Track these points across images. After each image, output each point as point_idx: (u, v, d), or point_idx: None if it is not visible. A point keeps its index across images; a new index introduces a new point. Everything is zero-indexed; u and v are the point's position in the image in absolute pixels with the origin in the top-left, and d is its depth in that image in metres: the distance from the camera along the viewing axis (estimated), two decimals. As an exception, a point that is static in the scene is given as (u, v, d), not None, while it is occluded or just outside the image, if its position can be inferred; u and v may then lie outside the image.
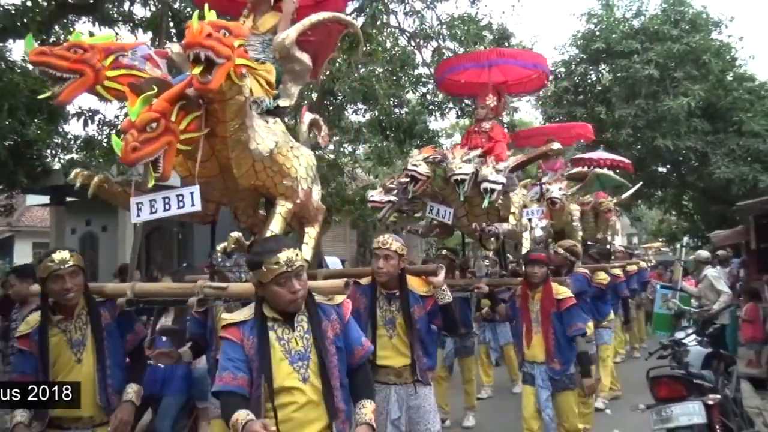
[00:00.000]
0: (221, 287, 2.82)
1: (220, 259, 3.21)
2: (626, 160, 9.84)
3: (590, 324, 5.32)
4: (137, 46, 3.07)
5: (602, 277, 6.50)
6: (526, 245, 5.44)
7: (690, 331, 5.15)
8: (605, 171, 8.56)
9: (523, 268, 4.46)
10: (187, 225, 14.11)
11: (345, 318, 2.41)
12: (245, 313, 2.32)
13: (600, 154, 9.48)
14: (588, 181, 8.19)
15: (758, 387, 7.37)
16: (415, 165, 4.51)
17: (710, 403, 3.91)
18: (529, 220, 5.67)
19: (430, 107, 12.69)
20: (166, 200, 2.72)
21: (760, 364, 8.03)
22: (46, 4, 7.67)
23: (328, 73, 10.07)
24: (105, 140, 9.25)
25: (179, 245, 14.61)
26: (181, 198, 2.73)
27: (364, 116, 13.08)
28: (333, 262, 5.96)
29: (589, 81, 16.79)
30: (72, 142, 9.90)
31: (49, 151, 11.00)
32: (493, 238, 4.97)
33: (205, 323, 3.70)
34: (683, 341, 4.87)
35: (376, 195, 4.85)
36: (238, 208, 3.65)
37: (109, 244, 13.70)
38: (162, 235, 14.47)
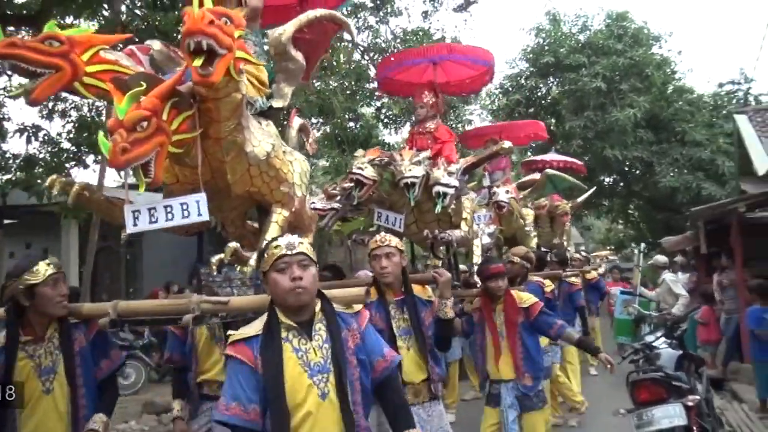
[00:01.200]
0: (221, 302, 2.52)
1: (209, 273, 2.91)
2: (579, 162, 9.74)
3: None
4: (121, 39, 2.84)
5: (547, 285, 5.78)
6: (477, 253, 5.12)
7: (659, 334, 5.26)
8: (556, 172, 8.15)
9: (477, 278, 4.17)
10: (135, 245, 13.62)
11: (362, 329, 2.19)
12: (256, 326, 2.06)
13: (552, 156, 9.35)
14: (540, 182, 7.74)
15: (716, 388, 7.61)
16: (360, 168, 4.16)
17: (690, 404, 3.99)
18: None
19: (385, 120, 12.74)
20: (168, 209, 2.50)
21: (716, 365, 8.29)
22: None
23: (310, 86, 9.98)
24: (48, 158, 8.82)
25: (127, 267, 14.06)
26: (185, 207, 2.51)
27: (319, 129, 13.02)
28: None
29: (539, 94, 17.26)
30: (11, 161, 9.40)
31: (-15, 170, 10.42)
32: (444, 246, 4.61)
33: (185, 341, 3.46)
34: (653, 344, 4.97)
35: (317, 202, 4.39)
36: (227, 218, 3.40)
37: (51, 267, 13.04)
38: (108, 257, 13.87)
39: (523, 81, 16.81)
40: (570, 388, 6.26)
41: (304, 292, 2.02)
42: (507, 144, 4.60)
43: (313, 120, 12.07)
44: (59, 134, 8.80)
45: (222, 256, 2.72)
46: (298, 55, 3.15)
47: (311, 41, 3.35)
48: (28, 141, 8.14)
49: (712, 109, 16.30)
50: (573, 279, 6.94)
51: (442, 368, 3.50)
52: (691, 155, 15.13)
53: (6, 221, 12.89)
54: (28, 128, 8.14)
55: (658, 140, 15.74)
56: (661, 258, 9.50)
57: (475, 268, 5.00)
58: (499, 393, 3.84)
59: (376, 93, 12.45)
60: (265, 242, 2.13)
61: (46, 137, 8.44)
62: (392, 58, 5.98)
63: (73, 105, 9.35)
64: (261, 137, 2.90)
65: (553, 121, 15.69)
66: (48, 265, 2.54)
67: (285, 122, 3.83)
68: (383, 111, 12.90)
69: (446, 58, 5.26)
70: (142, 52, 2.88)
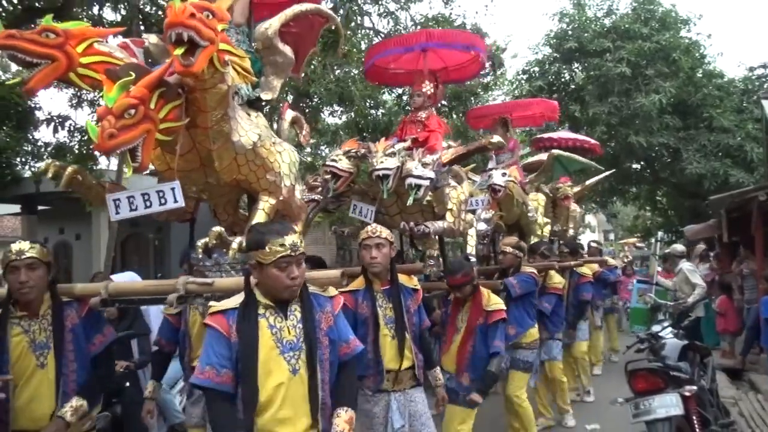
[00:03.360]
0: (206, 282, 2.63)
1: (199, 258, 3.01)
2: (592, 140, 8.78)
3: (533, 331, 4.90)
4: (114, 33, 2.92)
5: (557, 281, 5.67)
6: (471, 243, 5.04)
7: (666, 324, 5.23)
8: (565, 153, 7.51)
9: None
10: (163, 230, 13.94)
11: (335, 313, 2.31)
12: (235, 299, 2.19)
13: (562, 134, 8.53)
14: (546, 164, 7.18)
15: (733, 377, 7.52)
16: (334, 160, 4.16)
17: (687, 394, 3.98)
18: (473, 211, 5.21)
19: (407, 107, 12.72)
20: (146, 197, 2.60)
21: (734, 354, 8.18)
22: (11, 8, 7.51)
23: (303, 75, 10.05)
24: (76, 147, 9.10)
25: (155, 251, 14.42)
26: (162, 194, 2.61)
27: (340, 118, 13.09)
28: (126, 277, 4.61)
29: (563, 80, 16.94)
30: (43, 150, 9.72)
31: (18, 159, 10.78)
32: (432, 238, 4.55)
33: (178, 327, 3.54)
34: (659, 334, 4.95)
35: (298, 193, 4.53)
36: (218, 205, 3.50)
37: (83, 252, 13.49)
38: (138, 241, 14.27)
39: (546, 66, 16.51)
40: (564, 390, 5.89)
41: (297, 287, 2.17)
42: (496, 138, 4.45)
43: (335, 107, 12.21)
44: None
45: (206, 240, 2.80)
46: (286, 49, 3.22)
47: (299, 35, 3.41)
48: (55, 131, 8.41)
49: (741, 94, 15.80)
50: (583, 270, 6.65)
51: (433, 357, 3.50)
52: (719, 141, 14.72)
53: (40, 207, 13.32)
54: (54, 118, 8.41)
55: (685, 126, 15.35)
56: (679, 247, 9.33)
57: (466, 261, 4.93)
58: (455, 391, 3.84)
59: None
60: (260, 233, 2.18)
61: (72, 127, 8.70)
62: (376, 48, 5.82)
63: (101, 94, 9.61)
64: (248, 127, 2.97)
65: (577, 107, 15.37)
66: (10, 252, 2.62)
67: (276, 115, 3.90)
68: (404, 98, 12.88)
69: (431, 45, 5.12)
70: (137, 45, 2.98)
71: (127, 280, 4.06)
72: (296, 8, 3.25)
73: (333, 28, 3.90)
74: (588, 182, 9.20)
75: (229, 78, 2.69)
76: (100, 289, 2.71)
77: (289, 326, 2.16)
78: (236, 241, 2.79)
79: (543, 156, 7.58)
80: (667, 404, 3.95)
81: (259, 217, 3.05)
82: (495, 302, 3.93)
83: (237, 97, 3.01)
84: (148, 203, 2.60)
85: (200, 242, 2.84)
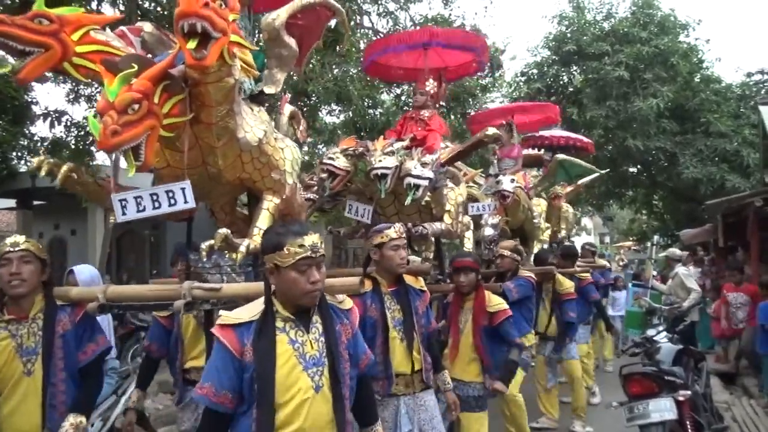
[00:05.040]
0: (213, 288, 2.47)
1: (197, 259, 2.83)
2: (585, 139, 8.58)
3: (530, 336, 4.94)
4: (112, 21, 2.76)
5: (568, 285, 5.66)
6: (467, 246, 5.03)
7: (661, 328, 5.23)
8: (569, 157, 7.45)
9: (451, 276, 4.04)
10: (160, 227, 13.91)
11: (354, 324, 2.20)
12: (249, 311, 2.01)
13: (554, 132, 8.21)
14: (550, 169, 7.19)
15: (727, 382, 7.52)
16: (331, 158, 4.02)
17: (681, 399, 3.98)
18: (480, 216, 5.21)
19: (405, 108, 12.72)
20: (155, 197, 2.44)
21: (728, 359, 8.18)
22: (9, 2, 7.47)
23: (302, 73, 10.04)
24: (73, 142, 9.06)
25: (152, 249, 14.39)
26: (171, 194, 2.46)
27: (338, 117, 13.08)
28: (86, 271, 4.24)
29: (561, 82, 16.96)
30: (39, 144, 9.67)
31: (14, 153, 10.73)
32: (430, 239, 4.50)
33: (170, 330, 3.38)
34: (654, 338, 4.95)
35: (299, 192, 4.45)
36: (216, 205, 3.36)
37: (78, 248, 13.42)
38: (133, 239, 14.24)
39: (545, 69, 16.54)
40: (581, 392, 5.82)
41: (318, 292, 2.02)
42: (491, 130, 4.33)
43: (333, 107, 12.20)
44: (85, 118, 9.02)
45: (212, 242, 2.66)
46: (291, 41, 3.09)
47: (304, 27, 3.29)
48: (52, 125, 8.37)
49: (738, 100, 15.86)
50: (582, 274, 6.52)
51: (441, 361, 3.50)
52: (715, 146, 14.77)
53: (35, 202, 13.27)
54: (51, 113, 8.38)
55: (683, 131, 15.38)
56: (677, 251, 9.33)
57: None
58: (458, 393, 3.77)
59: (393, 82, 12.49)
60: (277, 234, 2.03)
61: (68, 122, 8.66)
62: (378, 44, 5.77)
63: (98, 89, 9.58)
64: (253, 123, 2.85)
65: (575, 110, 15.39)
66: (13, 242, 2.54)
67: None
68: (403, 98, 12.87)
69: (434, 43, 5.06)
70: (134, 34, 2.82)
71: (88, 274, 3.87)
72: (304, 0, 3.11)
73: (336, 23, 3.81)
74: (581, 181, 8.79)
75: (237, 71, 2.56)
76: (98, 294, 2.51)
77: (311, 340, 2.01)
78: (244, 245, 2.68)
79: (531, 152, 7.58)
80: (661, 408, 3.95)
81: (264, 217, 2.94)
82: (497, 302, 3.87)
83: (241, 91, 2.87)
84: (156, 204, 2.45)
85: (205, 245, 2.69)
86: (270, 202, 3.00)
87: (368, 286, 3.14)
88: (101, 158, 9.89)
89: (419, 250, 5.13)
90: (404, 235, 3.19)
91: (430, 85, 4.90)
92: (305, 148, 14.29)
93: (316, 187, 4.24)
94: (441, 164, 4.32)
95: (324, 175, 4.05)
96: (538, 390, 5.76)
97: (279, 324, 1.99)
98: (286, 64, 3.21)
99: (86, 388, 2.63)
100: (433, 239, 4.55)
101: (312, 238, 1.99)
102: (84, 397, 2.60)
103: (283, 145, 3.12)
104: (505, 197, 5.57)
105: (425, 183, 3.91)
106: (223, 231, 2.68)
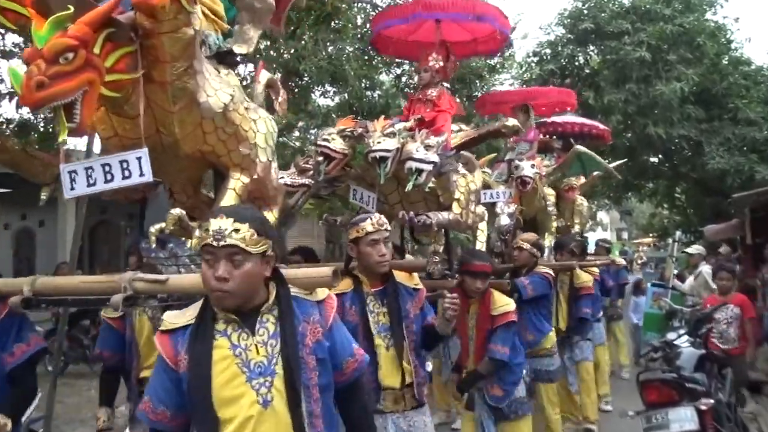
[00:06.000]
0: (158, 280, 2.23)
1: (151, 249, 2.60)
2: (602, 126, 8.47)
3: (551, 335, 5.01)
4: None
5: (586, 279, 5.85)
6: (481, 239, 5.00)
7: (682, 332, 5.25)
8: (588, 151, 7.30)
9: (460, 276, 3.98)
10: (136, 218, 13.90)
11: (328, 320, 1.96)
12: (189, 314, 1.88)
13: (567, 118, 8.03)
14: (567, 160, 7.11)
15: (753, 391, 7.54)
16: (326, 139, 3.90)
17: (703, 408, 4.00)
18: (493, 204, 5.19)
19: (406, 90, 12.70)
20: (107, 168, 2.26)
21: (755, 366, 8.21)
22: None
23: (292, 51, 10.02)
24: (42, 124, 9.04)
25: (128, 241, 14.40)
26: (125, 165, 2.26)
27: (333, 99, 13.05)
28: None
29: (577, 63, 16.92)
30: (4, 126, 9.63)
31: (-22, 136, 10.69)
32: (435, 230, 4.37)
33: (123, 334, 3.23)
34: (675, 342, 4.97)
35: (287, 177, 4.11)
36: (176, 184, 3.08)
37: (47, 240, 13.43)
38: (108, 229, 14.23)
39: (559, 49, 16.49)
40: (593, 397, 6.04)
41: (226, 296, 1.77)
42: (511, 122, 4.34)
43: (327, 88, 12.18)
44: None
45: (163, 225, 2.50)
46: None
47: None
48: (18, 106, 8.32)
49: (770, 84, 15.88)
50: (592, 270, 6.55)
51: (425, 369, 3.23)
52: (744, 135, 14.78)
53: (1, 190, 13.23)
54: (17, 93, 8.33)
55: (708, 117, 15.39)
56: (698, 247, 9.35)
57: None
58: (474, 397, 3.87)
59: (396, 59, 12.45)
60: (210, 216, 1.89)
61: (37, 102, 8.61)
62: (386, 13, 5.62)
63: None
64: (217, 86, 2.63)
65: (591, 93, 15.34)
66: None
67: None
68: (403, 79, 12.86)
69: (448, 16, 4.94)
70: None
71: None
72: None
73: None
74: (596, 172, 8.76)
75: (197, 21, 2.35)
76: (24, 286, 2.29)
77: (257, 344, 1.81)
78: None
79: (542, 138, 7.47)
80: (682, 418, 3.97)
81: (229, 198, 2.73)
82: (502, 304, 3.85)
83: (205, 47, 2.65)
84: (108, 176, 2.26)
85: (153, 228, 2.52)
86: (237, 181, 2.80)
87: (347, 285, 3.01)
88: (74, 142, 9.88)
89: (425, 242, 5.08)
90: (385, 228, 3.00)
91: (434, 60, 4.74)
92: (296, 133, 14.27)
93: (311, 172, 4.15)
94: (452, 149, 4.27)
95: (319, 159, 3.93)
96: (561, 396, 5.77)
97: (220, 326, 1.83)
98: (260, 20, 3.04)
99: (13, 396, 2.49)
100: (441, 230, 4.45)
101: (222, 222, 1.77)
102: (11, 401, 2.46)
103: (256, 115, 2.95)
104: (525, 183, 5.58)
105: (428, 167, 3.79)
106: (177, 212, 2.56)
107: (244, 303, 1.84)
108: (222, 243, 1.75)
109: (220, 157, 2.80)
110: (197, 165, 2.95)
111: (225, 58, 2.89)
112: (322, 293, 2.00)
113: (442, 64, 4.74)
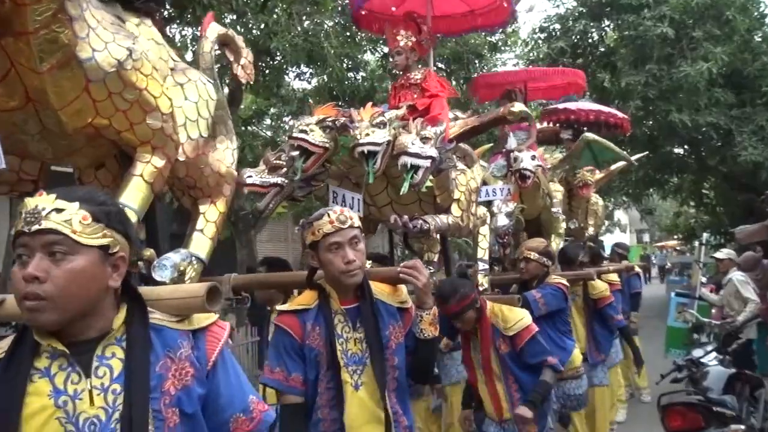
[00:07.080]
0: None
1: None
2: (620, 114, 8.22)
3: (576, 353, 4.94)
4: None
5: (602, 288, 5.85)
6: (483, 245, 4.89)
7: (709, 348, 5.25)
8: (599, 138, 7.22)
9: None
10: None
11: (210, 357, 1.58)
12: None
13: (581, 105, 7.79)
14: (575, 150, 7.01)
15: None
16: (304, 131, 3.66)
17: (733, 436, 3.99)
18: (488, 203, 5.12)
19: (394, 71, 12.69)
20: None
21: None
22: None
23: (263, 26, 9.97)
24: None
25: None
26: None
27: (309, 82, 13.02)
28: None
29: (590, 41, 16.97)
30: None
31: None
32: (433, 236, 4.29)
33: None
34: (701, 360, 4.97)
35: (255, 176, 3.90)
36: (81, 169, 2.81)
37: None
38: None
39: (569, 24, 16.51)
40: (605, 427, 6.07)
41: (41, 306, 1.38)
42: (518, 107, 4.24)
43: (303, 69, 12.15)
44: None
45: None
46: None
47: None
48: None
49: (810, 65, 15.99)
50: (611, 277, 6.68)
51: (411, 415, 2.85)
52: (780, 123, 14.89)
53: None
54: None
55: (740, 103, 15.45)
56: (729, 251, 9.38)
57: (480, 264, 4.84)
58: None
59: (382, 37, 12.42)
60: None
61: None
62: None
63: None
64: (108, 38, 2.28)
65: (607, 75, 15.39)
66: None
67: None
68: (390, 59, 12.83)
69: None
70: None
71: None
72: None
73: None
74: (614, 167, 8.82)
75: None
76: None
77: (93, 389, 1.43)
78: None
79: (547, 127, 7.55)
80: (708, 447, 3.96)
81: (133, 188, 2.42)
82: (515, 319, 3.74)
83: None
84: None
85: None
86: (146, 165, 2.49)
87: (310, 299, 2.68)
88: None
89: (419, 250, 5.04)
90: (350, 224, 2.57)
91: (403, 37, 4.58)
92: (267, 121, 14.23)
93: (284, 169, 3.95)
94: (450, 140, 4.15)
95: (295, 153, 3.73)
96: None
97: (41, 363, 1.44)
98: None
99: None
100: (438, 236, 4.37)
101: (39, 200, 1.41)
102: None
103: (184, 78, 2.72)
104: (525, 178, 5.45)
105: (427, 163, 3.64)
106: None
107: (79, 328, 1.46)
108: (35, 227, 1.36)
109: (121, 133, 2.46)
110: (97, 145, 2.57)
111: (136, 2, 2.62)
112: (203, 319, 1.61)
113: (414, 39, 4.61)
